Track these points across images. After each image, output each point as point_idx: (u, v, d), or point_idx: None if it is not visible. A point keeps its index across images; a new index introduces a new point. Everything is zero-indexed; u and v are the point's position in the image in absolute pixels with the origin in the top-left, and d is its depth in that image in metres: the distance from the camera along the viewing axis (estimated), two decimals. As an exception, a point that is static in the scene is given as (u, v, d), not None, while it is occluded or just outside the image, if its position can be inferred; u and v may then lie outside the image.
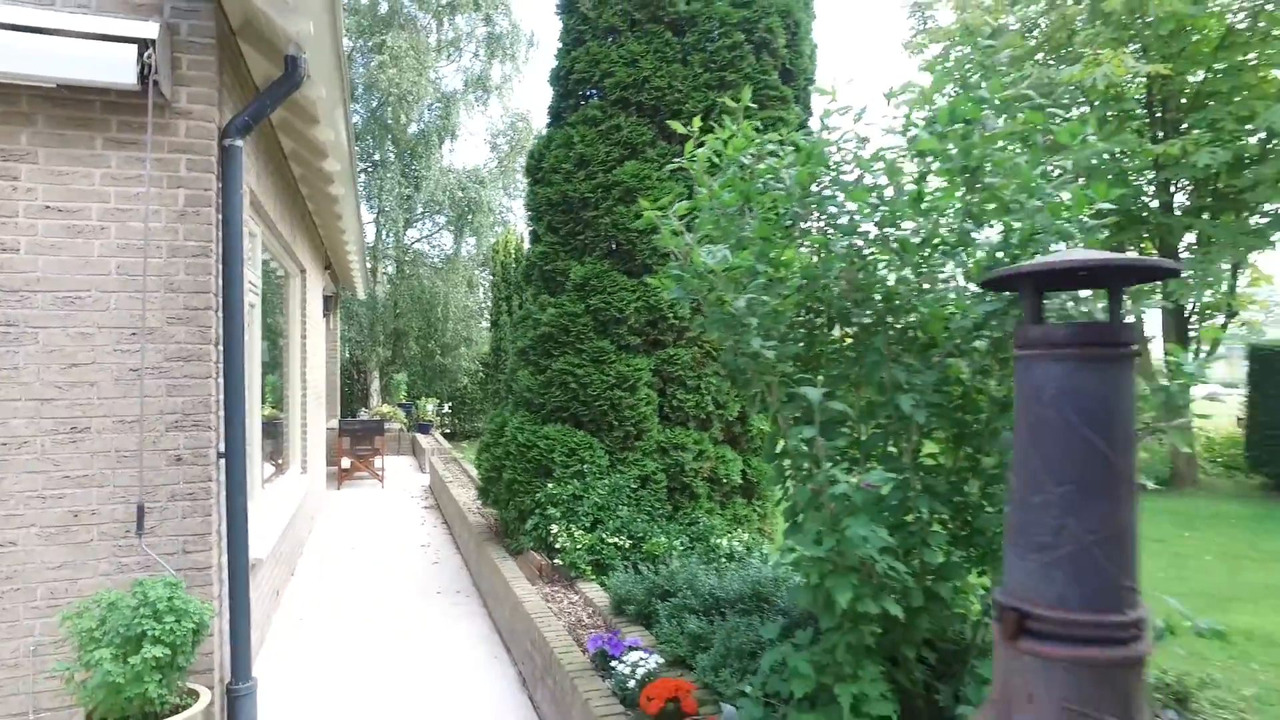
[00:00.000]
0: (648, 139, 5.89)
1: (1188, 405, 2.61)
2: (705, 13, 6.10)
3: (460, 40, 21.58)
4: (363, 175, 19.78)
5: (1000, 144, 2.74)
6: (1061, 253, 1.30)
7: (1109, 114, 10.96)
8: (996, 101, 2.78)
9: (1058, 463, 1.15)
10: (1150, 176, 11.35)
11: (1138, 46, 11.17)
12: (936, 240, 2.74)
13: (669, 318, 5.63)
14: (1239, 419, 11.82)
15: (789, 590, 3.37)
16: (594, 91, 6.28)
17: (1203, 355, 11.76)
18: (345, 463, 12.44)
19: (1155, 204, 11.68)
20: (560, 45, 6.59)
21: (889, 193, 2.74)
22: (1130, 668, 1.12)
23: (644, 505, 5.21)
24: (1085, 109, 11.16)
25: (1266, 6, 10.07)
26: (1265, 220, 10.68)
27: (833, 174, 2.91)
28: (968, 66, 12.55)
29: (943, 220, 2.82)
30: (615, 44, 6.18)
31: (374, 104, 19.56)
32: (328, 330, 12.83)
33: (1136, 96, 10.93)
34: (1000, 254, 2.59)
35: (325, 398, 12.00)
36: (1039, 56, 12.23)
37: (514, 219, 21.77)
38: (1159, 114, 11.61)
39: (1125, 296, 1.22)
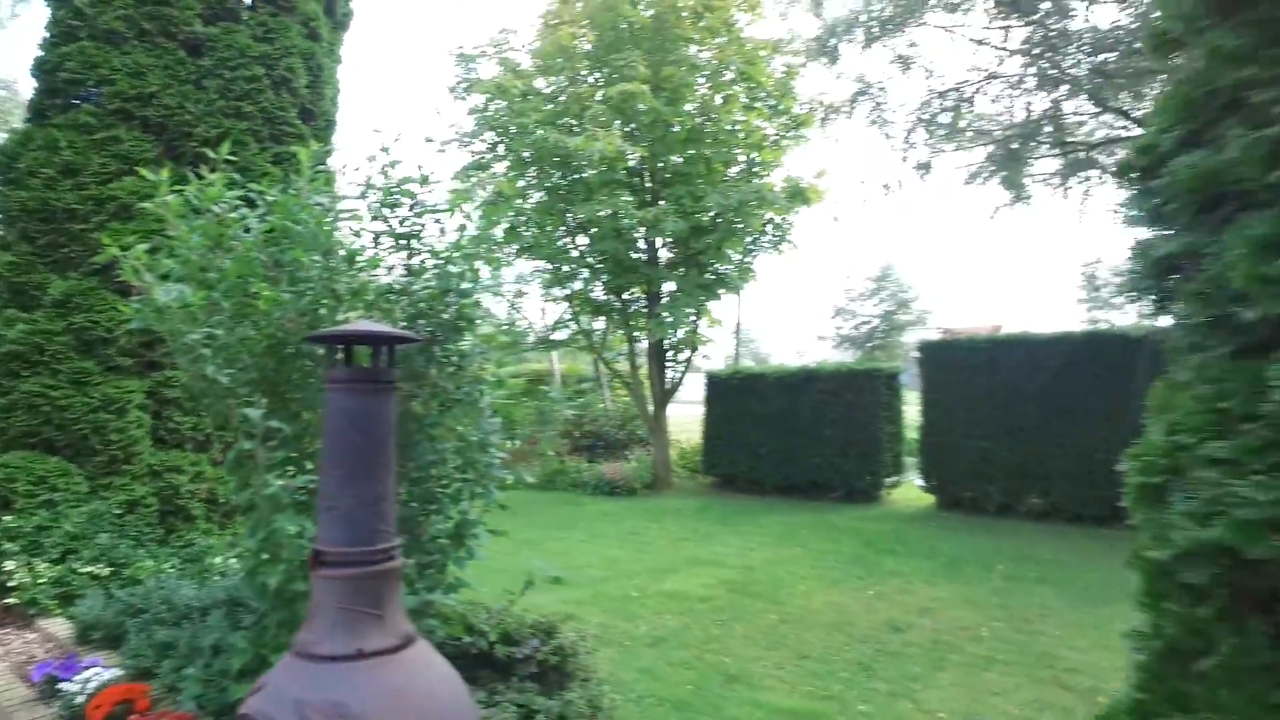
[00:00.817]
0: (152, 156, 5.76)
1: (559, 420, 3.65)
2: (225, 40, 6.19)
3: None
4: None
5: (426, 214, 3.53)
6: (352, 325, 2.00)
7: (612, 179, 13.27)
8: (428, 184, 3.55)
9: (339, 455, 1.83)
10: (642, 234, 13.92)
11: (634, 127, 13.72)
12: (381, 289, 3.43)
13: (166, 340, 5.57)
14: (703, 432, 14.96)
15: (238, 583, 3.76)
16: (89, 95, 5.92)
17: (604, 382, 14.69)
18: None
19: (645, 257, 14.36)
20: (48, 36, 6.07)
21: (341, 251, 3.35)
22: (380, 578, 1.83)
23: (130, 531, 5.09)
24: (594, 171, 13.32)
25: (712, 116, 13.24)
26: (714, 278, 13.89)
27: (300, 228, 3.43)
28: (505, 118, 14.10)
29: (388, 273, 3.53)
30: (118, 50, 5.92)
31: None
32: None
33: (625, 168, 13.37)
34: (421, 303, 3.37)
35: None
36: (565, 121, 14.23)
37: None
38: (648, 184, 14.34)
39: (387, 351, 1.96)
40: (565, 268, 14.35)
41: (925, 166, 13.26)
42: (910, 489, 13.26)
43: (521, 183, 14.32)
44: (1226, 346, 1.27)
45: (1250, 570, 1.16)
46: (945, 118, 12.61)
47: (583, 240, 14.39)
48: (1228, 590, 1.20)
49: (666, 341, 14.33)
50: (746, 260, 14.41)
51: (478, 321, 3.34)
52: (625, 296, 14.61)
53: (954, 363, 11.63)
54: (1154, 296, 1.44)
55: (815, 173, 13.84)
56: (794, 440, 13.05)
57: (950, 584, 7.56)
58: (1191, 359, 1.34)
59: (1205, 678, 1.20)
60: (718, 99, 13.90)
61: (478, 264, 3.46)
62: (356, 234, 3.57)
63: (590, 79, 14.40)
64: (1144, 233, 1.46)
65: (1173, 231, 1.40)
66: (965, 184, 13.11)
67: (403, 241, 3.51)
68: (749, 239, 14.06)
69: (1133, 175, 1.46)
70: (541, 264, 14.66)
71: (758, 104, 13.89)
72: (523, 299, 15.31)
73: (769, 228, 14.13)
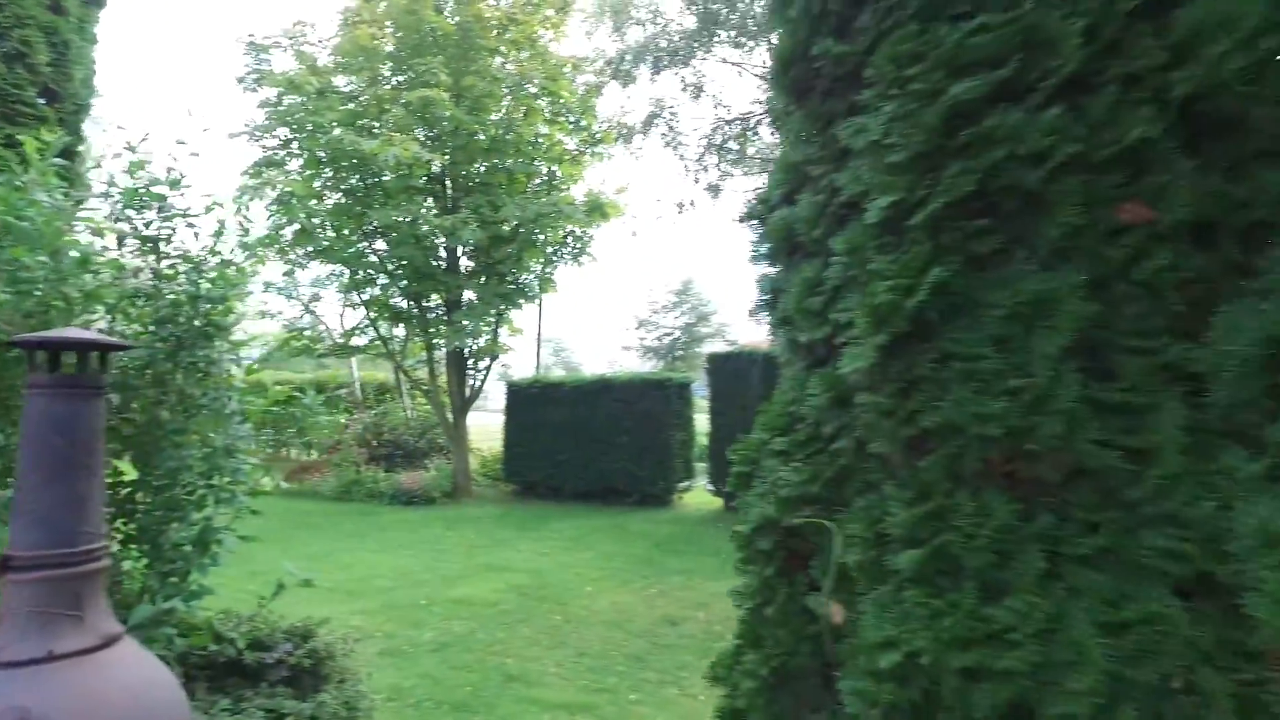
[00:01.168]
0: None
1: (314, 425, 3.67)
2: (-58, 3, 5.58)
3: None
4: None
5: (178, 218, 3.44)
6: (58, 330, 2.00)
7: (409, 185, 13.07)
8: (179, 187, 3.47)
9: (38, 458, 1.84)
10: (441, 241, 13.80)
11: (436, 133, 13.57)
12: (125, 293, 3.30)
13: None
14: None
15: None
16: None
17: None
18: None
19: (445, 265, 14.24)
20: None
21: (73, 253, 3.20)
22: (81, 579, 1.85)
23: None
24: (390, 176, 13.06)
25: (515, 128, 13.39)
26: (514, 287, 14.03)
27: (26, 224, 3.23)
28: (300, 114, 13.48)
29: (135, 276, 3.41)
30: None
31: None
32: None
33: (426, 174, 13.23)
34: (168, 309, 3.29)
35: None
36: (363, 122, 13.81)
37: None
38: (450, 192, 14.24)
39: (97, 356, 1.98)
40: (363, 273, 13.94)
41: (715, 189, 14.18)
42: (701, 493, 14.02)
43: (317, 183, 13.76)
44: (804, 362, 1.64)
45: (798, 537, 1.52)
46: (734, 144, 13.57)
47: (381, 245, 14.05)
48: (784, 553, 1.55)
49: (466, 349, 14.28)
50: (547, 271, 14.67)
51: (230, 328, 3.31)
52: (425, 304, 14.40)
53: (737, 372, 12.49)
54: (769, 320, 1.80)
55: (616, 188, 14.35)
56: (592, 448, 13.43)
57: (730, 579, 8.12)
58: (787, 372, 1.71)
59: (770, 621, 1.54)
60: (520, 111, 14.07)
61: (230, 270, 3.42)
62: (99, 234, 3.41)
63: (392, 81, 14.10)
64: (763, 268, 1.83)
65: (774, 269, 1.77)
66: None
67: (150, 245, 3.39)
68: (550, 250, 14.33)
69: (753, 220, 1.82)
70: (338, 268, 14.15)
71: (560, 119, 14.21)
72: (318, 303, 14.73)
73: (569, 240, 14.47)
